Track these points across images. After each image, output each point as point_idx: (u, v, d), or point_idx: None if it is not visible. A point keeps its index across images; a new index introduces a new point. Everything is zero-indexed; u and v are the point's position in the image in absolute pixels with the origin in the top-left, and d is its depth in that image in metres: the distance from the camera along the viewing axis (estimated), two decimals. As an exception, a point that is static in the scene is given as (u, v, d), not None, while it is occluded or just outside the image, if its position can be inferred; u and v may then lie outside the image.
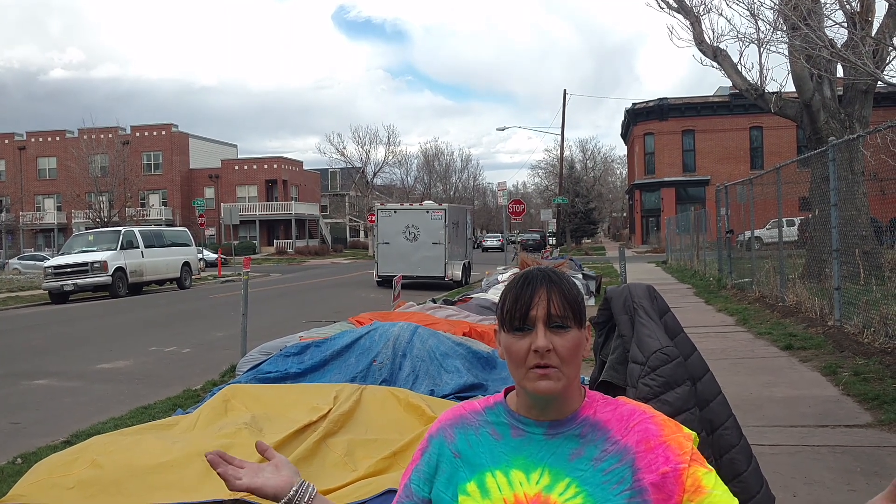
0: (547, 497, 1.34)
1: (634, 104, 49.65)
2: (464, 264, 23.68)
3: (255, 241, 61.24)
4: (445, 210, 23.40)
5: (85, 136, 49.91)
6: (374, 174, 65.01)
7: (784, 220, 13.04)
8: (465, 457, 1.43)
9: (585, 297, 1.57)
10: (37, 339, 13.32)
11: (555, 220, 43.32)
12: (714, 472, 1.35)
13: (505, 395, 1.47)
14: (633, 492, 1.31)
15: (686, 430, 1.39)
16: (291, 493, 1.39)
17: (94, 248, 23.84)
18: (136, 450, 3.23)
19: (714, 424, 1.98)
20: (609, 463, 1.34)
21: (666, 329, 1.98)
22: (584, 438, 1.38)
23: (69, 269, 22.72)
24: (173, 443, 3.34)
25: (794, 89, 13.92)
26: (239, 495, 2.81)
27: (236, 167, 65.48)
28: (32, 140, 65.13)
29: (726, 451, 1.96)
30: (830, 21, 11.56)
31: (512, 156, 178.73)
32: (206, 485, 2.91)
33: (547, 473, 1.36)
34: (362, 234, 71.22)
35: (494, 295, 10.10)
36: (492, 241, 63.54)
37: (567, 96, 42.81)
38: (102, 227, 34.42)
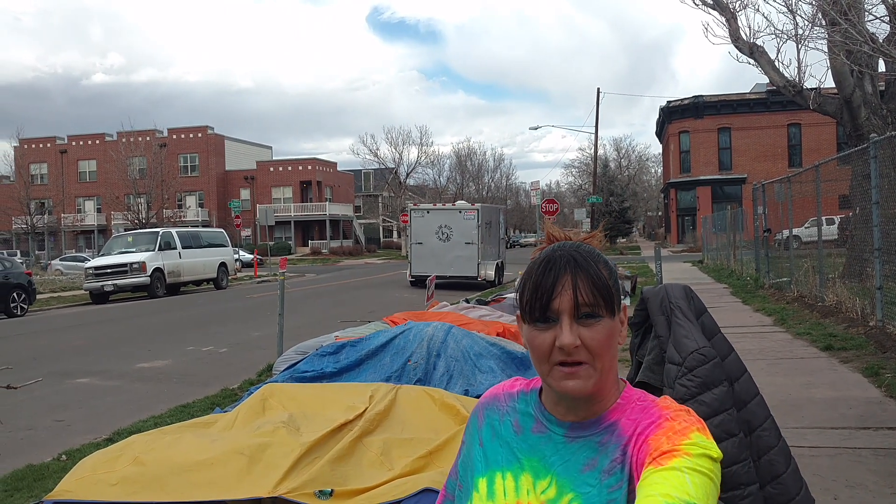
0: None
1: (669, 102, 49.17)
2: (497, 264, 23.64)
3: (290, 242, 61.82)
4: (478, 210, 23.40)
5: (123, 140, 50.90)
6: (407, 175, 65.29)
7: (823, 218, 12.82)
8: (485, 448, 1.33)
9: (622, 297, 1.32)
10: (79, 339, 13.61)
11: (589, 220, 43.05)
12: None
13: None
14: None
15: (696, 436, 1.16)
16: None
17: (133, 250, 24.28)
18: (177, 448, 3.28)
19: (752, 425, 1.96)
20: (615, 478, 1.18)
21: (703, 329, 1.97)
22: (602, 446, 1.21)
23: (109, 270, 23.17)
24: (212, 441, 3.39)
25: (833, 85, 13.67)
26: (277, 493, 2.86)
27: (271, 169, 66.19)
28: (73, 143, 66.52)
29: (765, 452, 1.94)
30: (871, 16, 11.34)
31: (545, 155, 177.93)
32: (244, 482, 2.96)
33: (554, 484, 1.22)
34: (395, 234, 71.51)
35: (528, 295, 10.07)
36: (528, 238, 65.65)
37: (601, 94, 42.54)
38: (141, 229, 35.01)
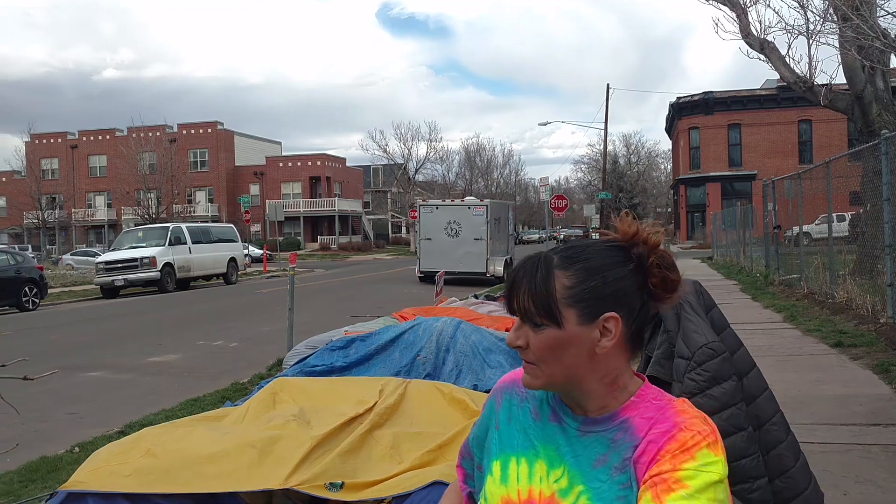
0: (559, 502, 1.22)
1: (679, 98, 49.00)
2: (506, 260, 23.64)
3: (299, 237, 61.98)
4: (487, 206, 23.40)
5: (134, 135, 51.16)
6: (416, 170, 65.33)
7: (834, 215, 12.76)
8: (502, 431, 1.35)
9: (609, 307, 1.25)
10: (90, 333, 13.71)
11: (598, 216, 42.98)
12: None
13: None
14: None
15: (701, 455, 1.14)
16: None
17: (144, 245, 24.42)
18: (189, 440, 3.31)
19: (761, 420, 1.97)
20: (626, 476, 1.19)
21: (712, 324, 1.98)
22: (614, 443, 1.22)
23: (120, 265, 23.30)
24: (224, 434, 3.41)
25: (844, 81, 13.60)
26: (289, 485, 2.88)
27: (280, 164, 66.34)
28: (84, 139, 66.84)
29: (773, 446, 1.96)
30: (883, 11, 11.27)
31: (555, 151, 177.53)
32: (255, 475, 2.98)
33: (566, 475, 1.23)
34: (404, 230, 71.58)
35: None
36: (532, 235, 66.01)
37: (610, 90, 42.41)
38: (151, 224, 35.17)
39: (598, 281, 1.22)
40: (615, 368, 1.25)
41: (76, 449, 5.47)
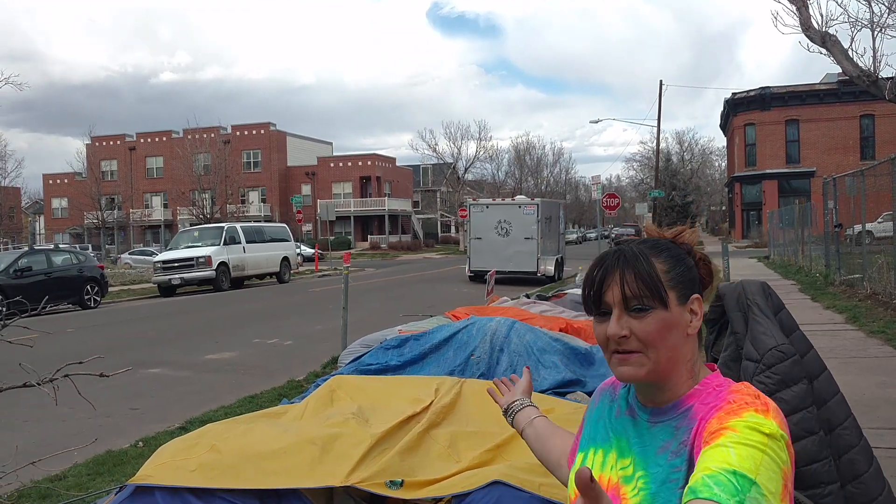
0: (621, 488, 1.29)
1: (734, 94, 47.99)
2: (557, 259, 23.49)
3: (349, 237, 62.56)
4: (538, 205, 23.27)
5: (189, 136, 52.20)
6: (466, 169, 65.30)
7: (898, 213, 12.36)
8: (593, 427, 1.45)
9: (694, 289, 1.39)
10: (149, 331, 14.06)
11: (650, 214, 42.39)
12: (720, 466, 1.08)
13: None
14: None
15: (748, 415, 1.15)
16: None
17: (199, 244, 24.90)
18: (251, 436, 3.37)
19: (832, 424, 1.93)
20: (681, 459, 1.23)
21: (781, 326, 1.94)
22: (677, 430, 1.27)
23: (176, 264, 23.81)
24: (284, 430, 3.47)
25: (910, 74, 13.14)
26: (349, 482, 2.92)
27: (332, 164, 67.05)
28: (142, 141, 68.55)
29: (845, 451, 1.91)
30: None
31: (606, 149, 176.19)
32: (316, 471, 3.02)
33: (632, 464, 1.30)
34: (453, 229, 71.66)
35: (589, 290, 9.98)
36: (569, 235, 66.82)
37: (663, 87, 41.78)
38: (205, 224, 35.88)
39: (683, 267, 1.33)
40: (694, 353, 1.32)
41: (140, 444, 5.63)
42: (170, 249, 25.75)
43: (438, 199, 73.91)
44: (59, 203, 70.67)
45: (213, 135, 55.34)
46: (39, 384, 3.09)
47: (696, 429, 1.22)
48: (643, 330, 1.26)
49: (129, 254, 47.47)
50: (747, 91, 46.88)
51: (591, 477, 0.97)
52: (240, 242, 25.50)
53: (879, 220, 16.42)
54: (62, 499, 4.25)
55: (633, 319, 1.27)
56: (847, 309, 11.32)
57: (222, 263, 24.32)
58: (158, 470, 3.07)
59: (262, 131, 65.50)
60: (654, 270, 1.29)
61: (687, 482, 1.16)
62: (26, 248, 24.67)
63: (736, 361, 1.95)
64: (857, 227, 14.91)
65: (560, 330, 6.17)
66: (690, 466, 1.19)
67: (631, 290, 1.26)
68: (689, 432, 1.24)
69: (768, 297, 1.98)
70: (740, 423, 1.14)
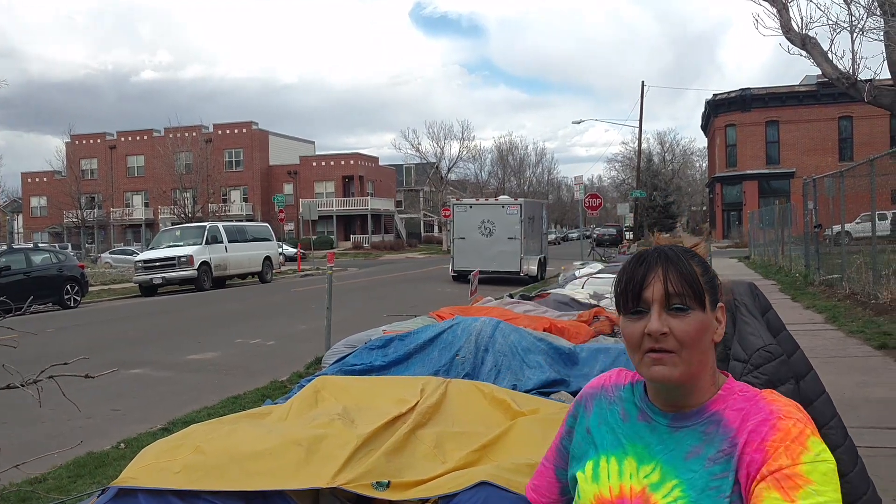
0: (650, 496, 1.26)
1: (716, 95, 48.39)
2: (539, 259, 23.55)
3: (332, 236, 62.38)
4: (521, 205, 23.32)
5: (170, 135, 51.89)
6: (449, 169, 65.28)
7: (877, 213, 12.51)
8: (593, 434, 1.40)
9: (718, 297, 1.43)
10: (131, 331, 13.94)
11: (632, 215, 42.57)
12: None
13: None
14: (731, 500, 1.21)
15: (812, 445, 1.20)
16: None
17: (181, 243, 24.74)
18: (235, 437, 3.35)
19: (818, 423, 1.93)
20: (721, 467, 1.23)
21: (768, 327, 1.96)
22: (706, 436, 1.26)
23: (158, 264, 23.64)
24: (269, 431, 3.45)
25: (889, 77, 13.30)
26: (336, 484, 2.91)
27: (314, 164, 66.84)
28: (122, 139, 67.99)
29: (832, 450, 1.93)
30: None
31: (588, 149, 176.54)
32: (302, 473, 3.01)
33: (658, 470, 1.28)
34: (436, 228, 71.63)
35: (572, 290, 10.00)
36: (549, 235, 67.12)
37: (645, 88, 41.98)
38: (186, 223, 35.66)
39: (712, 273, 1.35)
40: (714, 360, 1.33)
41: (122, 445, 5.57)
42: (151, 249, 25.58)
43: (421, 199, 73.87)
44: (37, 202, 69.93)
45: (194, 134, 55.00)
46: (23, 385, 3.05)
47: (745, 440, 1.22)
48: (682, 329, 1.24)
49: (110, 253, 47.05)
50: (728, 92, 47.28)
51: None
52: (222, 242, 25.36)
53: (857, 220, 16.60)
54: (43, 501, 4.20)
55: (672, 318, 1.25)
56: (826, 309, 11.43)
57: (204, 263, 24.17)
58: (142, 472, 3.04)
59: (245, 130, 65.17)
60: (696, 272, 1.29)
61: (733, 492, 1.19)
62: (5, 247, 24.37)
63: (723, 362, 1.96)
64: (836, 228, 15.08)
65: (544, 329, 6.18)
66: (736, 475, 1.21)
67: (674, 288, 1.25)
68: (727, 442, 1.24)
69: (756, 297, 2.00)
70: (813, 466, 1.16)
